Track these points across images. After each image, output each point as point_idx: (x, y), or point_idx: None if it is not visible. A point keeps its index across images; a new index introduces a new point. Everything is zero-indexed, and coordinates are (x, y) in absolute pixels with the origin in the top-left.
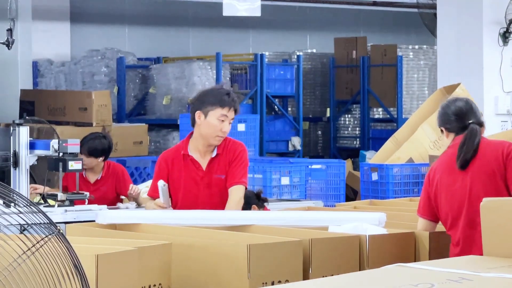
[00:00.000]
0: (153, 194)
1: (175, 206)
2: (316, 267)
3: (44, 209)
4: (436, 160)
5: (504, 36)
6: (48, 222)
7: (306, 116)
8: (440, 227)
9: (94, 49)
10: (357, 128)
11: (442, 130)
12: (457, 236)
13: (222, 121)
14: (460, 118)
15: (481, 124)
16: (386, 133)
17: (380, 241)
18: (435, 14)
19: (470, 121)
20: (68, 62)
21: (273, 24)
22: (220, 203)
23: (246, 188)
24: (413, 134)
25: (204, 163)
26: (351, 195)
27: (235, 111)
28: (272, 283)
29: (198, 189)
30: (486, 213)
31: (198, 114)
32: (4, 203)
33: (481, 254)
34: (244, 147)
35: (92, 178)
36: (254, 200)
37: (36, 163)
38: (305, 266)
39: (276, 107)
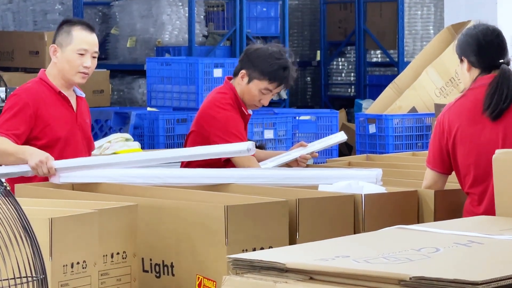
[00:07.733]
0: None
1: None
2: (304, 231)
3: None
4: (449, 104)
5: None
6: None
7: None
8: (449, 184)
9: None
10: (352, 74)
11: (461, 60)
12: (483, 195)
13: (264, 94)
14: (489, 54)
15: (509, 65)
16: (385, 79)
17: (378, 200)
18: None
19: (501, 60)
20: None
21: None
22: None
23: None
24: (417, 80)
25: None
26: (345, 150)
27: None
28: (254, 250)
29: None
30: (499, 167)
31: (243, 73)
32: None
33: None
34: None
35: None
36: None
37: None
38: (291, 230)
39: None
